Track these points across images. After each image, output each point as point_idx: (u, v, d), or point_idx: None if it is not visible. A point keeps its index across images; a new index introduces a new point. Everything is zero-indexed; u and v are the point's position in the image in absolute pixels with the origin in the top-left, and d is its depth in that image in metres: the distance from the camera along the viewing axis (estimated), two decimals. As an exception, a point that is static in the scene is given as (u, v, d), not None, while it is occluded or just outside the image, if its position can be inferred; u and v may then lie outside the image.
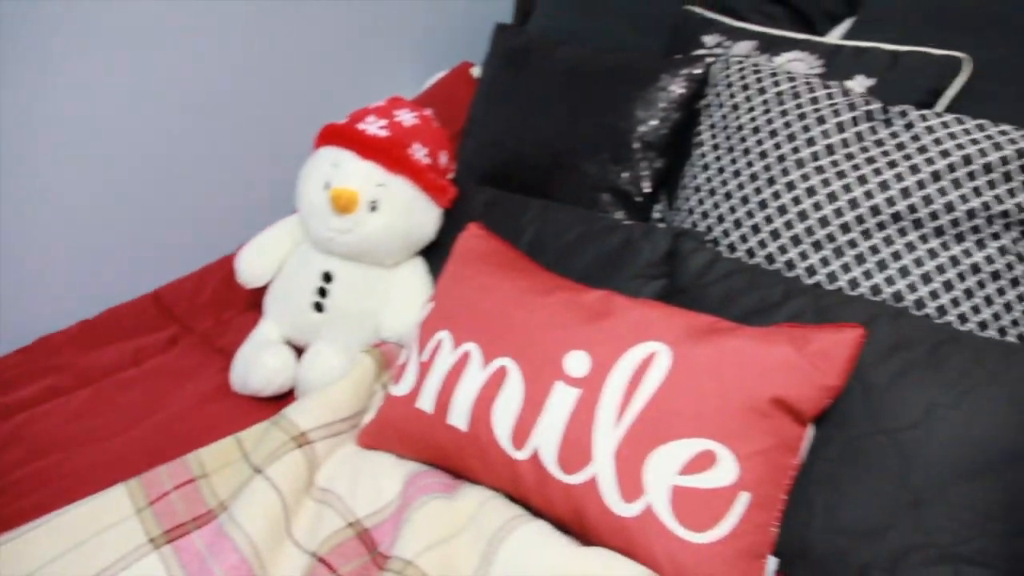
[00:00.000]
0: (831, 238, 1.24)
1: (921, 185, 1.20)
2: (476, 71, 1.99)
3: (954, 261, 1.19)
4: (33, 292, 1.63)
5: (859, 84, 1.39)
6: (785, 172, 1.29)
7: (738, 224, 1.33)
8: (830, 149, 1.26)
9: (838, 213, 1.24)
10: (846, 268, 1.23)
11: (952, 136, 1.21)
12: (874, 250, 1.22)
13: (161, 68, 1.70)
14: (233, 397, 1.39)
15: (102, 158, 1.65)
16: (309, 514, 1.14)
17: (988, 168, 1.17)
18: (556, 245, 1.37)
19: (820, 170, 1.26)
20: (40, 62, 1.52)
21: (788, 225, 1.27)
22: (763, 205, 1.30)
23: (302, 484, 1.15)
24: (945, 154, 1.20)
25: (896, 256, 1.21)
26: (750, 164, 1.33)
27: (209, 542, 1.08)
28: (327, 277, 1.42)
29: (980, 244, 1.19)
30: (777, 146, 1.31)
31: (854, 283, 1.22)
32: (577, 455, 1.03)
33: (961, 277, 1.19)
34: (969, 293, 1.19)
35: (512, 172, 1.60)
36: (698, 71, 1.50)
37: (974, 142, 1.19)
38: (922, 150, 1.21)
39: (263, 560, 1.06)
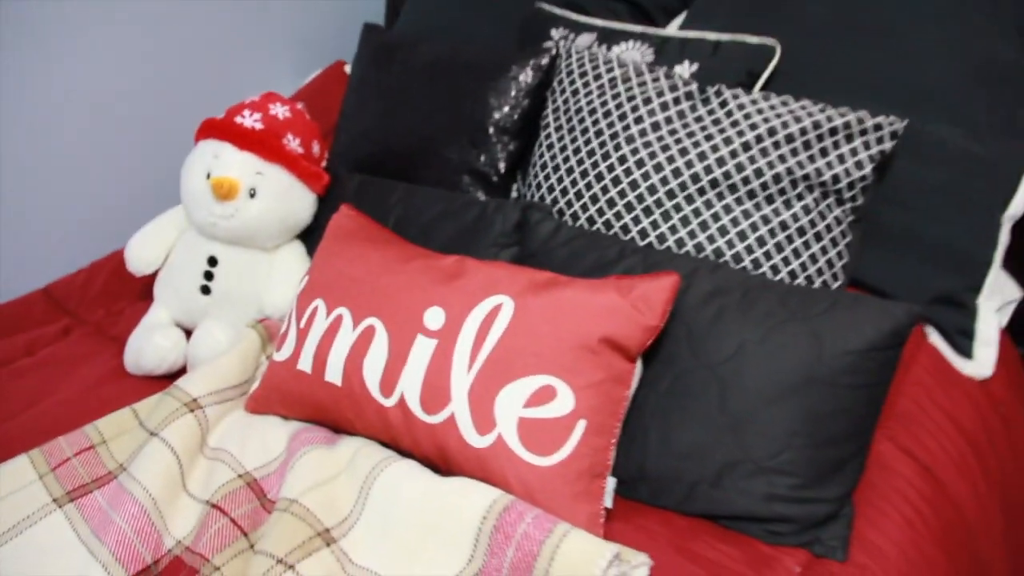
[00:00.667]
0: (659, 204, 1.34)
1: (734, 154, 1.30)
2: (349, 68, 2.02)
3: (765, 220, 1.30)
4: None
5: (685, 69, 1.51)
6: (618, 147, 1.38)
7: (579, 195, 1.41)
8: (656, 126, 1.36)
9: (664, 181, 1.34)
10: (673, 230, 1.33)
11: (760, 111, 1.32)
12: (696, 213, 1.32)
13: (42, 68, 1.69)
14: (127, 378, 1.41)
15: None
16: (202, 470, 1.19)
17: (790, 138, 1.29)
18: (419, 222, 1.43)
19: (648, 144, 1.36)
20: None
21: (622, 194, 1.37)
22: (600, 177, 1.39)
23: (195, 444, 1.20)
24: (754, 127, 1.31)
25: (715, 217, 1.31)
26: (588, 142, 1.41)
27: (110, 498, 1.13)
28: (212, 261, 1.47)
29: (787, 204, 1.30)
30: (610, 125, 1.40)
31: (680, 243, 1.33)
32: (437, 397, 1.11)
33: (772, 234, 1.30)
34: (779, 247, 1.30)
35: (381, 160, 1.64)
36: (544, 61, 1.57)
37: (778, 116, 1.31)
38: (734, 124, 1.32)
39: (161, 510, 1.11)
